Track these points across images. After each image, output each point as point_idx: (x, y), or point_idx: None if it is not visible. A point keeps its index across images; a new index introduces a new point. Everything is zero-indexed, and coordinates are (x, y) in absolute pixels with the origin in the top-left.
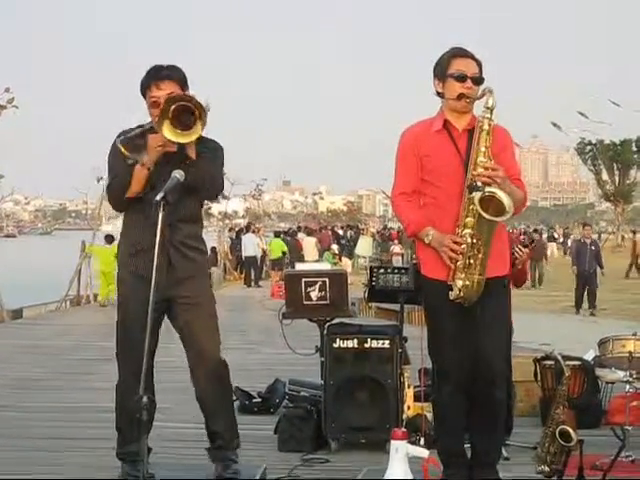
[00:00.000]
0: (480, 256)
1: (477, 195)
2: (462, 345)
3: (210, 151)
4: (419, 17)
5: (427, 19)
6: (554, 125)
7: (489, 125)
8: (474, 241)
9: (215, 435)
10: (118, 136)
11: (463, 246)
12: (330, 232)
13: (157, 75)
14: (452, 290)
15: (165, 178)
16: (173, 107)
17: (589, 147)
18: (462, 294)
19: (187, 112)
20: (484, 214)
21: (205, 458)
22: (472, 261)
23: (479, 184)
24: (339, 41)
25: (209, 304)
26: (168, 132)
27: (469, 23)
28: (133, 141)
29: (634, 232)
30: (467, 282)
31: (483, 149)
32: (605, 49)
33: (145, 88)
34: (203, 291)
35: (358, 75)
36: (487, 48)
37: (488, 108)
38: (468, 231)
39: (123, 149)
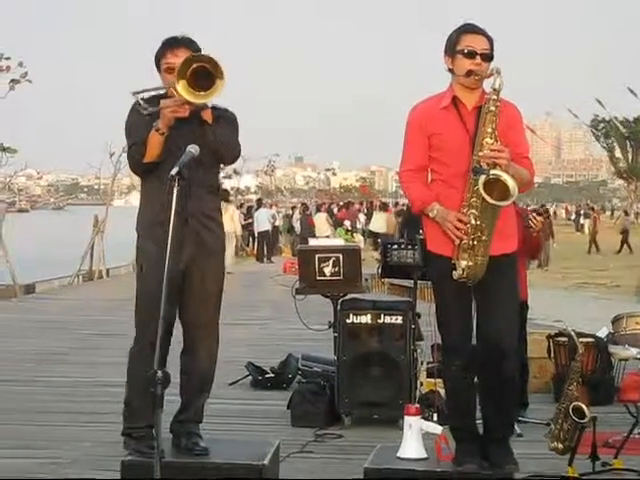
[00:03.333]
0: (484, 238)
1: (481, 178)
2: (469, 320)
3: (225, 118)
4: None
5: None
6: (571, 113)
7: (495, 106)
8: (478, 223)
9: (187, 408)
10: (136, 103)
11: (467, 226)
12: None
13: (173, 43)
14: (455, 270)
15: (182, 143)
16: (191, 68)
17: (602, 124)
18: (465, 274)
19: (205, 73)
20: (488, 198)
21: (217, 433)
22: (475, 242)
23: (484, 166)
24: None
25: (217, 279)
26: (186, 93)
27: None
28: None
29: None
30: (470, 263)
31: (489, 130)
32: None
33: (160, 56)
34: (215, 265)
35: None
36: (502, 23)
37: (495, 89)
38: (473, 212)
39: (140, 100)
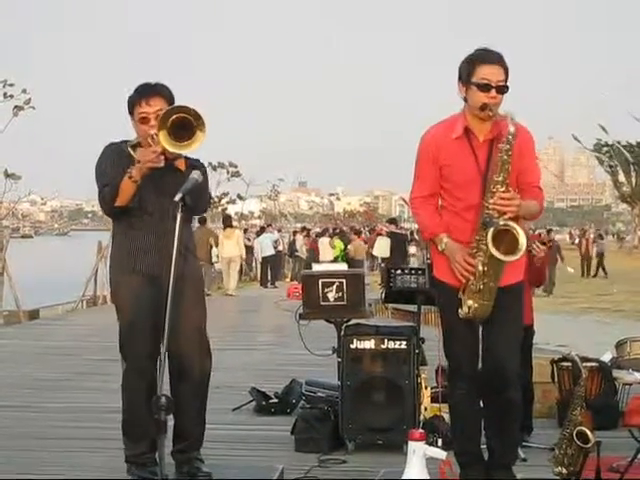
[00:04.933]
0: (490, 284)
1: (490, 231)
2: (475, 345)
3: (197, 168)
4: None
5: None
6: (575, 138)
7: (508, 155)
8: (485, 269)
9: (184, 439)
10: (108, 146)
11: (474, 269)
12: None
13: (147, 91)
14: (461, 308)
15: (154, 190)
16: (172, 119)
17: (605, 148)
18: (471, 313)
19: (185, 123)
20: (496, 254)
21: (221, 459)
22: (482, 287)
23: (494, 219)
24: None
25: (200, 308)
26: (167, 143)
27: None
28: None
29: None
30: (475, 305)
31: (501, 179)
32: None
33: (134, 105)
34: (195, 294)
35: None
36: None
37: (509, 139)
38: (480, 257)
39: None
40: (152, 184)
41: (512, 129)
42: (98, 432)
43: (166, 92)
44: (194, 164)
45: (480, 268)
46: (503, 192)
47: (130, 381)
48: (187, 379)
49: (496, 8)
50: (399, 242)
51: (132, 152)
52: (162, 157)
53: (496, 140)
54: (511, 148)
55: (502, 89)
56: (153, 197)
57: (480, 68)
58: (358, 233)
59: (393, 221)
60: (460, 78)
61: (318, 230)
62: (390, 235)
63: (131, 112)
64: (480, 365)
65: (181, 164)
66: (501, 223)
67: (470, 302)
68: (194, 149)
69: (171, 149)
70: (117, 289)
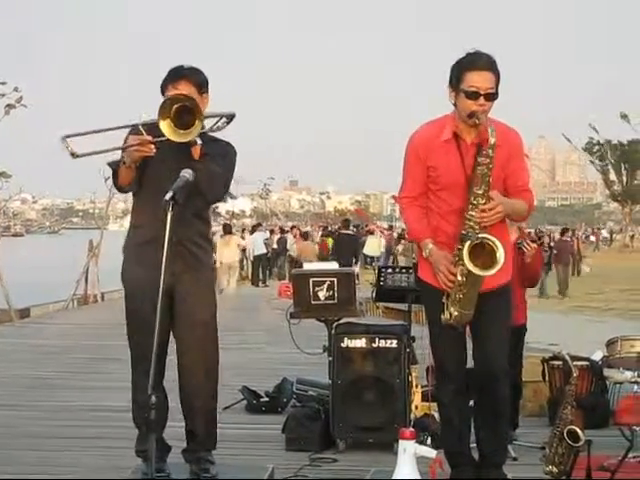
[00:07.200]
0: (469, 295)
1: (467, 245)
2: (463, 345)
3: (218, 155)
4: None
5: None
6: (565, 138)
7: (489, 169)
8: (464, 279)
9: (193, 435)
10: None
11: (458, 277)
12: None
13: (175, 75)
14: (444, 314)
15: (169, 175)
16: (175, 107)
17: (597, 147)
18: (452, 321)
19: (188, 112)
20: (472, 269)
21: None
22: (461, 297)
23: (470, 233)
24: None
25: (208, 301)
26: (168, 130)
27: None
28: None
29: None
30: (456, 313)
31: (481, 192)
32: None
33: (164, 87)
34: (202, 287)
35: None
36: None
37: (489, 153)
38: (461, 267)
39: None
40: (166, 171)
41: (492, 141)
42: (91, 431)
43: (195, 76)
44: (214, 151)
45: (459, 278)
46: (484, 204)
47: (138, 376)
48: (191, 376)
49: (488, 8)
50: (348, 242)
51: (142, 130)
52: (152, 146)
53: (483, 145)
54: (491, 162)
55: (491, 96)
56: (168, 185)
57: (469, 75)
58: (304, 236)
59: (345, 222)
60: (450, 82)
61: (309, 229)
62: (339, 236)
63: (163, 95)
64: (469, 363)
65: (196, 152)
66: (478, 236)
67: (452, 309)
68: (193, 136)
69: (174, 138)
70: (122, 276)
